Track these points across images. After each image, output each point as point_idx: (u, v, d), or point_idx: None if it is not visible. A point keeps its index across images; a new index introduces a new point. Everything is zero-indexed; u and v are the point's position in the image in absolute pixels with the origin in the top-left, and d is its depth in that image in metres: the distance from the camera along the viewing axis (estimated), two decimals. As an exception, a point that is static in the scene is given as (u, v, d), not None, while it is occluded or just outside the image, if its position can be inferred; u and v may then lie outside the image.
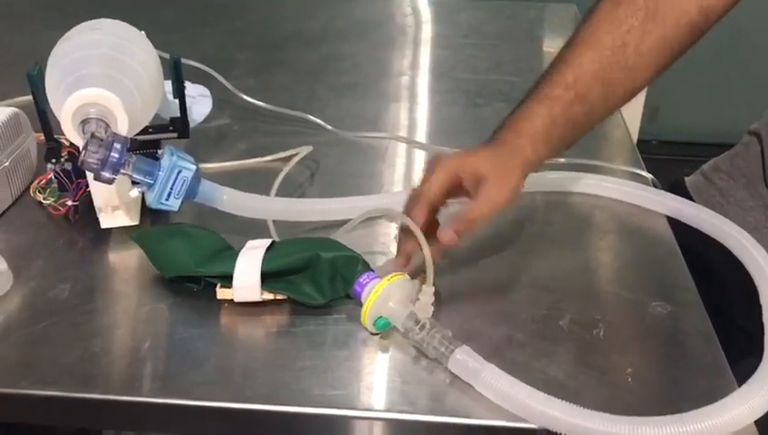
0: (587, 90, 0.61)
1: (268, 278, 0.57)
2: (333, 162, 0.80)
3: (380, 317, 0.54)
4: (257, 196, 0.64)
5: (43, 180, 0.71)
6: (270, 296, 0.58)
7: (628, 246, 0.68)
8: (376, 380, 0.53)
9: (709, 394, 0.50)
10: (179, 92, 0.70)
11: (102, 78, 0.60)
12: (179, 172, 0.58)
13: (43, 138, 0.75)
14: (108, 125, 0.58)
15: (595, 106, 0.62)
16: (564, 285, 0.62)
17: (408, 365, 0.54)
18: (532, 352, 0.55)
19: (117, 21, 0.68)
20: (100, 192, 0.64)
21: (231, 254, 0.59)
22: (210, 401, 0.51)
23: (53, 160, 0.67)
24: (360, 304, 0.55)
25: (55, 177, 0.67)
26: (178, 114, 0.73)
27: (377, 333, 0.55)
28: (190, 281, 0.60)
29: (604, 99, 0.62)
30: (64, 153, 0.68)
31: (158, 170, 0.57)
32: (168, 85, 0.73)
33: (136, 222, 0.66)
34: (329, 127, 0.84)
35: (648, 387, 0.52)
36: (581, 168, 0.77)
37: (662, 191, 0.72)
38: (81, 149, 0.56)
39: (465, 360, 0.50)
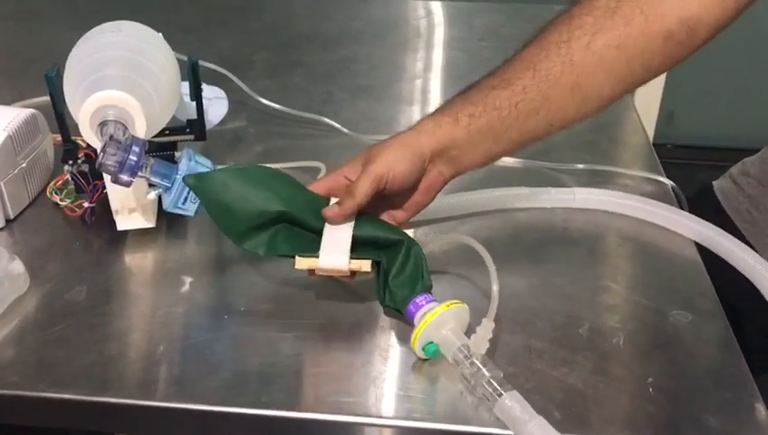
0: (521, 86, 0.57)
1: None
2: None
3: (431, 343, 0.52)
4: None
5: (60, 181, 0.71)
6: (356, 265, 0.55)
7: (647, 255, 0.67)
8: (394, 388, 0.52)
9: (732, 407, 0.49)
10: (197, 95, 0.70)
11: (121, 80, 0.60)
12: (197, 176, 0.57)
13: (59, 139, 0.75)
14: (126, 127, 0.58)
15: (533, 103, 0.57)
16: (583, 293, 0.62)
17: (420, 375, 0.53)
18: (551, 360, 0.54)
19: (135, 23, 0.67)
20: (116, 194, 0.63)
21: (311, 199, 0.57)
22: (227, 406, 0.51)
23: (70, 162, 0.67)
24: (405, 321, 0.54)
25: (72, 178, 0.67)
26: (195, 116, 0.73)
27: (425, 359, 0.53)
28: (259, 239, 0.56)
29: (544, 96, 0.57)
30: (81, 155, 0.68)
31: (176, 174, 0.57)
32: (185, 87, 0.72)
33: (152, 224, 0.66)
34: (345, 130, 0.84)
35: (669, 397, 0.51)
36: (601, 174, 0.76)
37: (686, 213, 0.69)
38: (98, 151, 0.56)
39: (512, 407, 0.48)
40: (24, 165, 0.69)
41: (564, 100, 0.58)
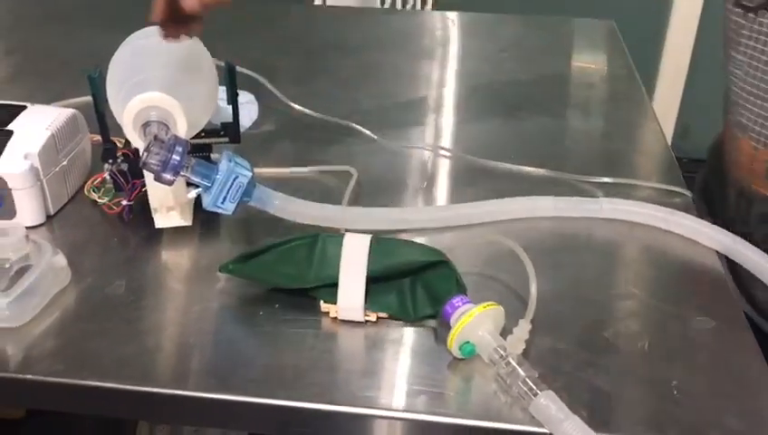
0: None
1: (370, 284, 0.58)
2: (376, 171, 0.81)
3: (467, 343, 0.53)
4: (308, 202, 0.65)
5: (98, 180, 0.73)
6: (372, 318, 0.58)
7: (670, 263, 0.69)
8: (427, 385, 0.54)
9: (757, 412, 0.50)
10: (233, 98, 0.72)
11: (163, 82, 0.62)
12: (236, 178, 0.59)
13: (96, 138, 0.78)
14: (168, 128, 0.60)
15: None
16: (607, 299, 0.63)
17: (453, 374, 0.55)
18: (578, 362, 0.56)
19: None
20: (156, 193, 0.65)
21: (330, 254, 0.60)
22: (261, 397, 0.53)
23: (110, 161, 0.69)
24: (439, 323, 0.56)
25: (111, 177, 0.69)
26: (229, 120, 0.75)
27: (461, 359, 0.55)
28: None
29: None
30: (119, 154, 0.70)
31: (216, 174, 0.59)
32: (220, 91, 0.74)
33: (189, 223, 0.68)
34: (374, 136, 0.86)
35: (694, 400, 0.52)
36: (624, 184, 0.77)
37: (708, 223, 0.70)
38: (142, 150, 0.58)
39: (548, 406, 0.49)
40: (64, 163, 0.71)
41: None
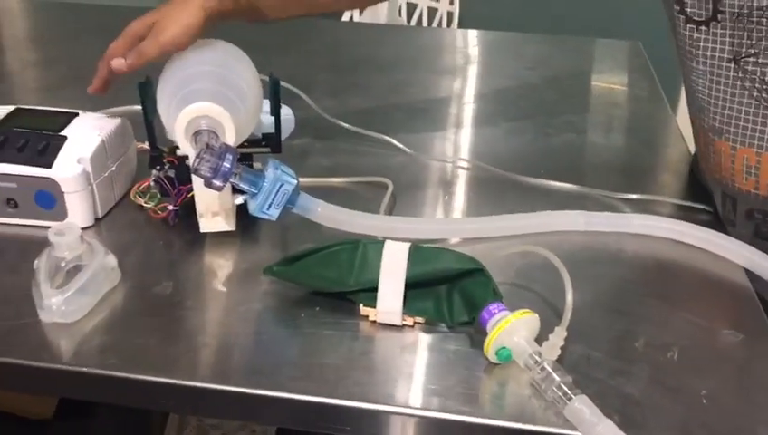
0: None
1: (408, 290, 0.60)
2: (408, 183, 0.84)
3: (504, 348, 0.55)
4: (349, 210, 0.68)
5: (143, 185, 0.76)
6: (410, 322, 0.61)
7: (698, 278, 0.70)
8: (463, 389, 0.56)
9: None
10: (276, 110, 0.75)
11: (213, 93, 0.65)
12: (282, 185, 0.62)
13: (140, 146, 0.81)
14: (217, 136, 0.63)
15: None
16: (636, 309, 0.65)
17: (489, 378, 0.57)
18: (609, 370, 0.57)
19: (223, 41, 0.73)
20: (202, 198, 0.68)
21: (371, 259, 0.62)
22: (303, 394, 0.55)
23: (158, 167, 0.72)
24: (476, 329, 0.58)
25: (158, 182, 0.72)
26: (268, 130, 0.77)
27: (496, 364, 0.57)
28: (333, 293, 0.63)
29: None
30: (165, 161, 0.73)
31: (263, 181, 0.62)
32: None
33: (232, 228, 0.70)
34: (407, 150, 0.88)
35: (723, 409, 0.54)
36: (647, 203, 0.79)
37: (735, 240, 0.72)
38: (194, 157, 0.60)
39: (582, 410, 0.51)
40: (113, 168, 0.74)
41: None
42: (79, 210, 0.71)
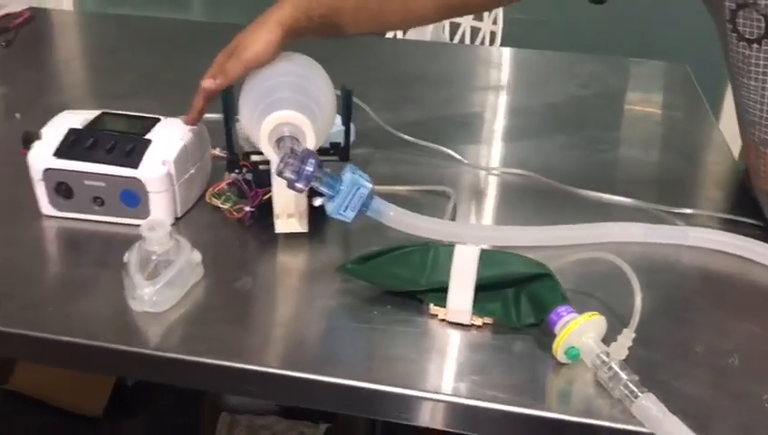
0: None
1: (477, 292, 0.63)
2: (466, 192, 0.87)
3: (573, 348, 0.58)
4: (419, 215, 0.71)
5: (218, 188, 0.80)
6: (479, 322, 0.64)
7: (754, 288, 0.73)
8: (529, 385, 0.59)
9: None
10: (347, 120, 0.79)
11: (294, 102, 0.69)
12: (358, 189, 0.66)
13: (215, 151, 0.85)
14: (299, 142, 0.67)
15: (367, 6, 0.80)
16: (696, 316, 0.67)
17: (557, 377, 0.60)
18: (672, 372, 0.60)
19: (300, 54, 0.78)
20: (280, 201, 0.72)
21: (442, 261, 0.65)
22: (380, 384, 0.58)
23: (237, 171, 0.76)
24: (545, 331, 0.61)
25: (236, 184, 0.76)
26: (334, 140, 0.81)
27: (563, 364, 0.60)
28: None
29: (379, 6, 0.81)
30: (242, 165, 0.77)
31: (340, 184, 0.66)
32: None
33: (305, 230, 0.74)
34: (465, 160, 0.92)
35: (785, 413, 0.56)
36: (699, 217, 0.82)
37: None
38: (278, 161, 0.64)
39: (649, 407, 0.54)
40: (192, 171, 0.79)
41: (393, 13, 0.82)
42: (161, 209, 0.75)
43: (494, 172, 0.92)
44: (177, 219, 0.78)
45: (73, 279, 0.69)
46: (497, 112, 1.13)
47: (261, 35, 0.74)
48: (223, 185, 0.80)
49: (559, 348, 0.59)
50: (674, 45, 1.71)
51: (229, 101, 0.76)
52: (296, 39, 0.77)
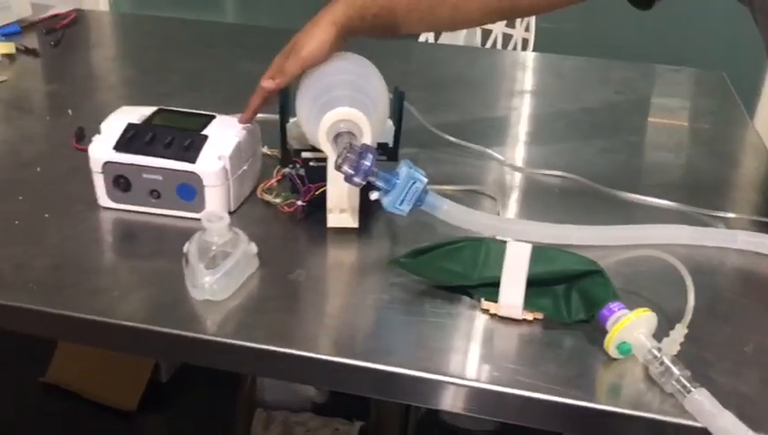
0: None
1: (528, 287, 0.65)
2: (509, 193, 0.88)
3: (624, 343, 0.59)
4: (472, 210, 0.73)
5: (269, 183, 0.83)
6: (530, 317, 0.65)
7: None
8: (580, 377, 0.60)
9: None
10: (398, 121, 0.81)
11: (352, 99, 0.71)
12: (414, 183, 0.67)
13: (264, 149, 0.88)
14: (356, 138, 0.69)
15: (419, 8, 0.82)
16: (743, 317, 0.68)
17: (608, 372, 0.61)
18: (722, 370, 0.61)
19: (354, 54, 0.80)
20: (333, 196, 0.74)
21: (493, 256, 0.67)
22: (434, 373, 0.60)
23: (290, 166, 0.78)
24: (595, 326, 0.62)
25: (290, 179, 0.78)
26: (382, 140, 0.83)
27: (613, 359, 0.61)
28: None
29: (430, 7, 0.82)
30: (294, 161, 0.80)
31: (396, 179, 0.67)
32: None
33: (356, 225, 0.76)
34: (507, 162, 0.93)
35: (836, 411, 0.57)
36: (738, 221, 0.82)
37: None
38: (336, 156, 0.66)
39: (702, 402, 0.55)
40: (245, 167, 0.81)
41: (443, 14, 0.83)
42: (216, 203, 0.78)
43: (536, 174, 0.93)
44: (230, 213, 0.80)
45: (133, 269, 0.72)
46: (534, 116, 1.14)
47: (316, 33, 0.76)
48: (273, 181, 0.82)
49: (611, 343, 0.60)
50: (705, 54, 1.71)
51: (286, 99, 0.79)
52: (350, 38, 0.79)
